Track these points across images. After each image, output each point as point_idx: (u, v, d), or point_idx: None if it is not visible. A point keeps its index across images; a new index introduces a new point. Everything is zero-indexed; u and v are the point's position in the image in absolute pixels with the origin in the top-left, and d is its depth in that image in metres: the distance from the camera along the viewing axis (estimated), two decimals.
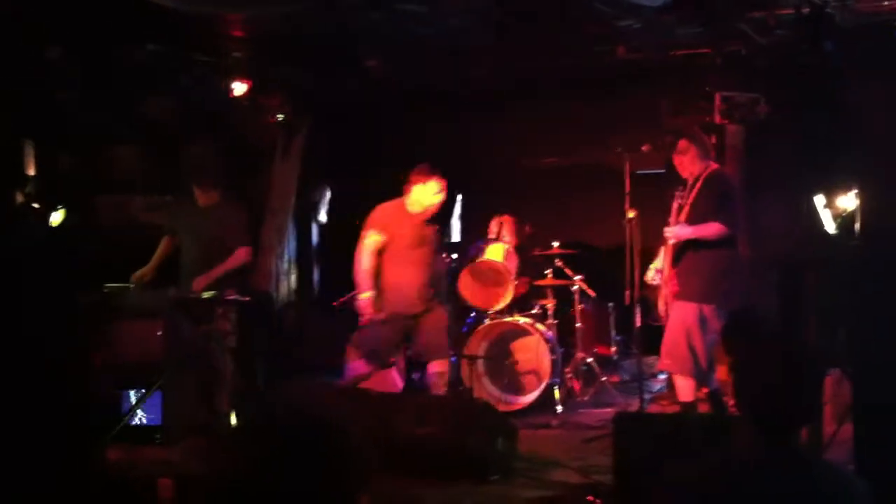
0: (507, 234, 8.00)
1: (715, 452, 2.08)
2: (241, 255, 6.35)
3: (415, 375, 7.17)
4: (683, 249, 5.73)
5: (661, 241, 5.91)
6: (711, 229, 5.59)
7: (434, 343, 6.27)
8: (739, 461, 2.01)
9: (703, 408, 5.87)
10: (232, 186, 7.31)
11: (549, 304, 7.60)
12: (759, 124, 7.28)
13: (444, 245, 8.16)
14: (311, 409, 1.74)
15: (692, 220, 5.67)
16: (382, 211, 6.46)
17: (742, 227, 6.26)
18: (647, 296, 6.31)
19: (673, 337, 5.68)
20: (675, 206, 5.80)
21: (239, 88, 8.00)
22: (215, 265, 6.25)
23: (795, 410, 2.06)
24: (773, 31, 6.67)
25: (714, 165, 5.91)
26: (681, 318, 5.66)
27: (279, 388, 6.87)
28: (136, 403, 5.92)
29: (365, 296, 6.25)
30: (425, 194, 6.31)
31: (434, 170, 6.36)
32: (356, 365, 6.33)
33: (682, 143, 5.91)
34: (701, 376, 5.67)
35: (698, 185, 5.76)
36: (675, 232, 5.68)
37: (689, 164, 5.84)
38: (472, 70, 8.26)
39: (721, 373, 6.41)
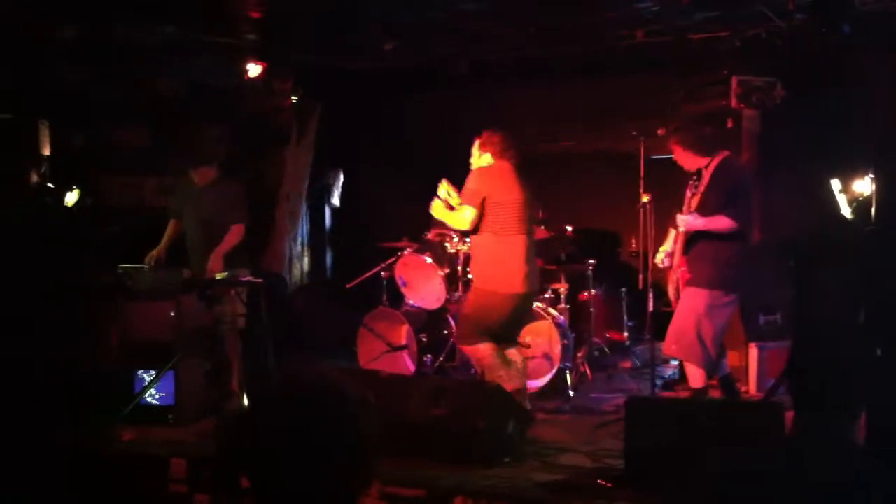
0: None
1: (764, 441, 2.05)
2: (237, 232, 6.37)
3: (426, 359, 7.17)
4: (695, 236, 5.69)
5: (672, 222, 5.86)
6: (722, 223, 5.53)
7: None
8: (786, 448, 1.98)
9: (716, 394, 5.84)
10: (243, 168, 7.31)
11: (562, 288, 7.57)
12: (775, 109, 7.22)
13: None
14: (325, 385, 1.74)
15: (703, 210, 5.60)
16: None
17: (755, 214, 6.20)
18: (660, 281, 6.28)
19: (681, 323, 5.64)
20: (688, 193, 5.73)
21: (254, 70, 8.00)
22: (215, 244, 6.28)
23: (826, 386, 2.05)
24: (791, 14, 6.62)
25: (723, 153, 5.80)
26: (690, 305, 5.62)
27: (290, 369, 6.88)
28: (149, 383, 5.95)
29: None
30: None
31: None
32: None
33: (675, 151, 5.83)
34: (709, 363, 5.63)
35: (708, 174, 5.69)
36: (687, 222, 5.61)
37: (690, 162, 5.77)
38: (488, 53, 8.23)
39: (732, 359, 6.38)
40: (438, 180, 5.91)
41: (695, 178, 5.76)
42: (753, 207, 5.95)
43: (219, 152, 6.91)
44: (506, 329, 5.80)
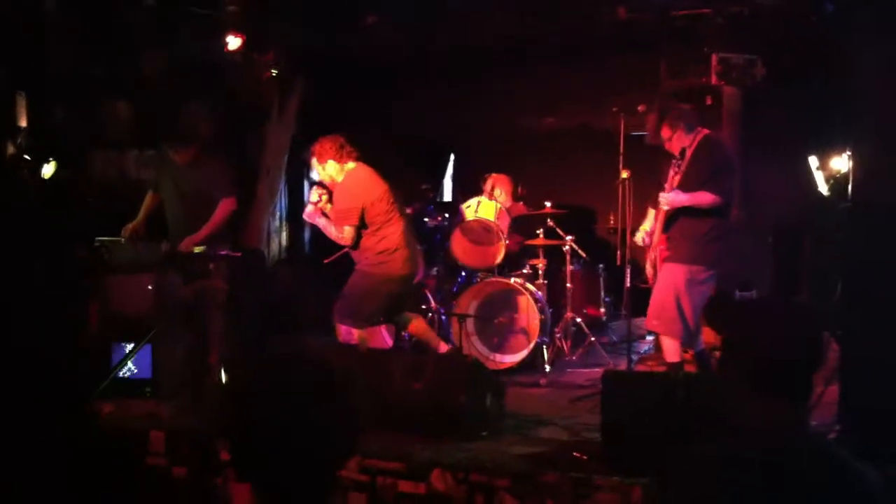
0: (501, 194, 7.98)
1: (746, 433, 2.02)
2: (226, 206, 6.28)
3: (404, 334, 7.18)
4: (675, 214, 5.71)
5: (652, 202, 5.88)
6: (705, 198, 5.56)
7: None
8: (769, 444, 1.97)
9: (690, 368, 5.89)
10: (223, 142, 7.24)
11: (540, 264, 7.61)
12: (756, 87, 7.24)
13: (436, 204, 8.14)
14: (310, 359, 1.73)
15: (686, 187, 5.62)
16: None
17: (736, 191, 6.23)
18: (637, 257, 6.32)
19: (661, 298, 5.69)
20: (670, 172, 5.73)
21: (233, 43, 7.90)
22: (200, 219, 6.19)
23: (807, 379, 2.02)
24: None
25: (704, 131, 5.81)
26: (670, 279, 5.66)
27: (272, 344, 6.88)
28: (125, 358, 5.93)
29: None
30: None
31: None
32: None
33: (666, 132, 5.81)
34: (688, 338, 5.69)
35: (690, 151, 5.71)
36: (670, 199, 5.63)
37: (678, 141, 5.77)
38: (470, 29, 8.18)
39: (707, 334, 6.44)
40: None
41: (678, 156, 5.76)
42: (735, 187, 5.97)
43: (198, 131, 6.85)
44: (390, 310, 6.21)
